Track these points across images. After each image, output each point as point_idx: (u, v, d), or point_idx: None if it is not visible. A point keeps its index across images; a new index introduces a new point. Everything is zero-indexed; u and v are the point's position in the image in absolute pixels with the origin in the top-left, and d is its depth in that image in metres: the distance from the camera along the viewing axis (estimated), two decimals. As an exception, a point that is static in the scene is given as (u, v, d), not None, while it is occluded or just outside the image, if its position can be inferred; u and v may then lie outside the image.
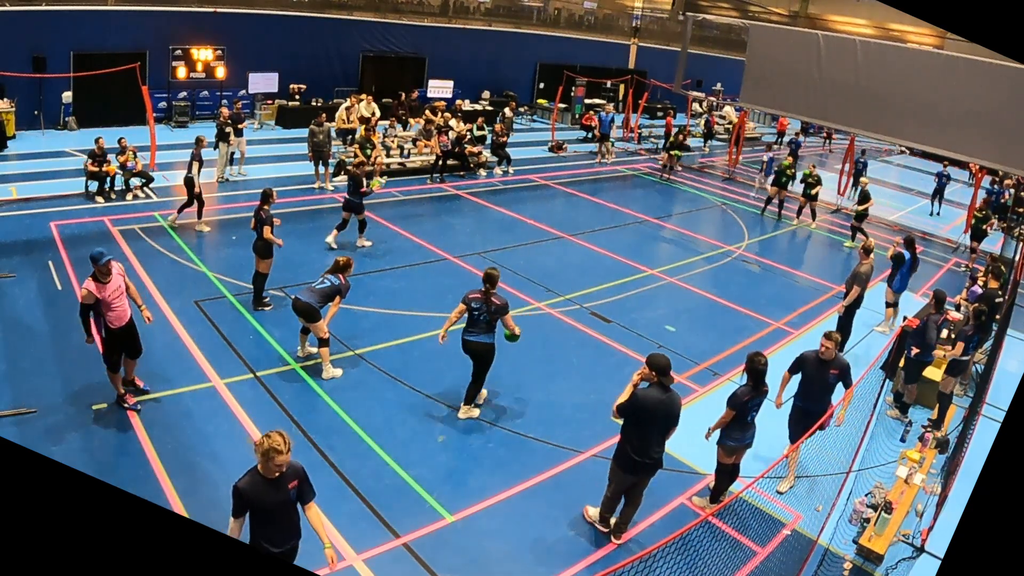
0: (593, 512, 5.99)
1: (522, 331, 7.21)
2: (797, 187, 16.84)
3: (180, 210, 11.54)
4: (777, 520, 6.34)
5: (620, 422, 5.54)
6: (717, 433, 6.18)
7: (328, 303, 7.58)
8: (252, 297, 9.09)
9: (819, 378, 6.51)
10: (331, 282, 7.57)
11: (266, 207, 8.86)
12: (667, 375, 5.40)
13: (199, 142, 11.36)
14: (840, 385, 6.56)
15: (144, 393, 6.95)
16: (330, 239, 11.28)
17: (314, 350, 7.94)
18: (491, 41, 26.20)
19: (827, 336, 6.58)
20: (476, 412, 7.30)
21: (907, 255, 10.39)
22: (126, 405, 6.69)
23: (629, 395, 5.41)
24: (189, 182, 11.22)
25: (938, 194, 19.73)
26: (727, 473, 6.25)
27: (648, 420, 5.40)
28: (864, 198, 14.96)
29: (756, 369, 5.93)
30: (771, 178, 17.30)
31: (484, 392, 7.47)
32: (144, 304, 6.83)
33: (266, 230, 8.73)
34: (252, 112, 19.44)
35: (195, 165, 11.15)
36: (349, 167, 11.12)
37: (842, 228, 16.53)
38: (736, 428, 6.01)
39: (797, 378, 6.78)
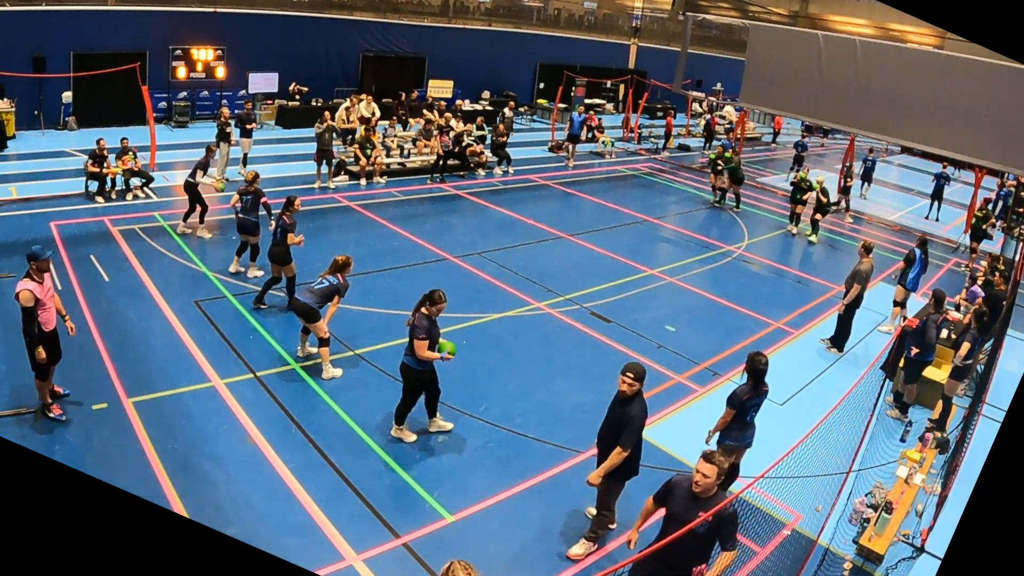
0: (580, 548, 5.68)
1: (454, 353, 6.41)
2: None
3: (185, 218, 11.37)
4: (777, 520, 6.34)
5: (625, 455, 5.30)
6: (717, 434, 6.17)
7: (327, 303, 7.58)
8: (286, 298, 8.95)
9: (685, 520, 4.22)
10: (329, 282, 7.57)
11: (288, 213, 8.82)
12: (642, 382, 5.30)
13: (209, 151, 11.33)
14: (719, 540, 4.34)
15: (65, 397, 6.72)
16: (233, 267, 10.02)
17: (314, 350, 7.94)
18: (491, 41, 26.20)
19: (706, 459, 4.23)
20: (411, 437, 6.72)
21: (918, 253, 10.44)
22: (51, 415, 6.43)
23: (633, 423, 5.24)
24: (190, 187, 11.04)
25: (937, 197, 19.47)
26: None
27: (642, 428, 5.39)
28: (825, 193, 15.04)
29: (757, 369, 5.92)
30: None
31: (442, 422, 6.95)
32: (68, 315, 6.63)
33: (291, 236, 8.73)
34: (255, 113, 19.47)
35: (200, 172, 10.99)
36: (247, 182, 9.77)
37: (840, 228, 16.53)
38: (736, 428, 6.01)
39: None
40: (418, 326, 6.31)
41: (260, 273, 9.90)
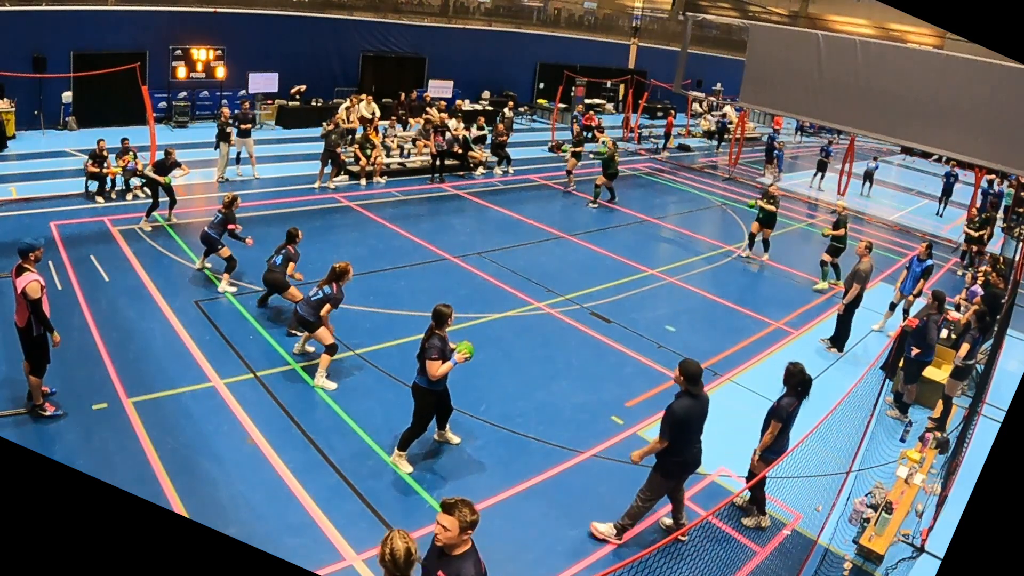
0: (604, 528, 5.83)
1: (456, 365, 6.04)
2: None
3: (148, 213, 11.38)
4: (777, 520, 6.34)
5: (662, 446, 5.45)
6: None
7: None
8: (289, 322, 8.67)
9: None
10: (324, 293, 7.48)
11: (293, 245, 8.63)
12: (696, 383, 5.42)
13: (168, 154, 11.37)
14: None
15: (52, 395, 6.70)
16: (224, 285, 9.49)
17: (311, 349, 7.96)
18: (491, 41, 26.21)
19: (445, 509, 3.58)
20: (408, 468, 6.35)
21: (931, 263, 10.37)
22: (46, 413, 6.44)
23: (665, 415, 5.41)
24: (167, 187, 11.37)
25: (946, 194, 19.85)
26: (762, 483, 6.20)
27: (689, 428, 5.44)
28: (839, 225, 12.00)
29: (805, 380, 5.87)
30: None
31: (450, 435, 6.84)
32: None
33: (291, 266, 8.52)
34: (253, 112, 19.45)
35: (149, 168, 11.31)
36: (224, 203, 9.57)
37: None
38: (779, 440, 5.97)
39: None
40: (429, 347, 6.05)
41: (233, 289, 9.48)
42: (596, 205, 15.58)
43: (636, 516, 5.75)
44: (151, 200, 11.43)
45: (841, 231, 11.89)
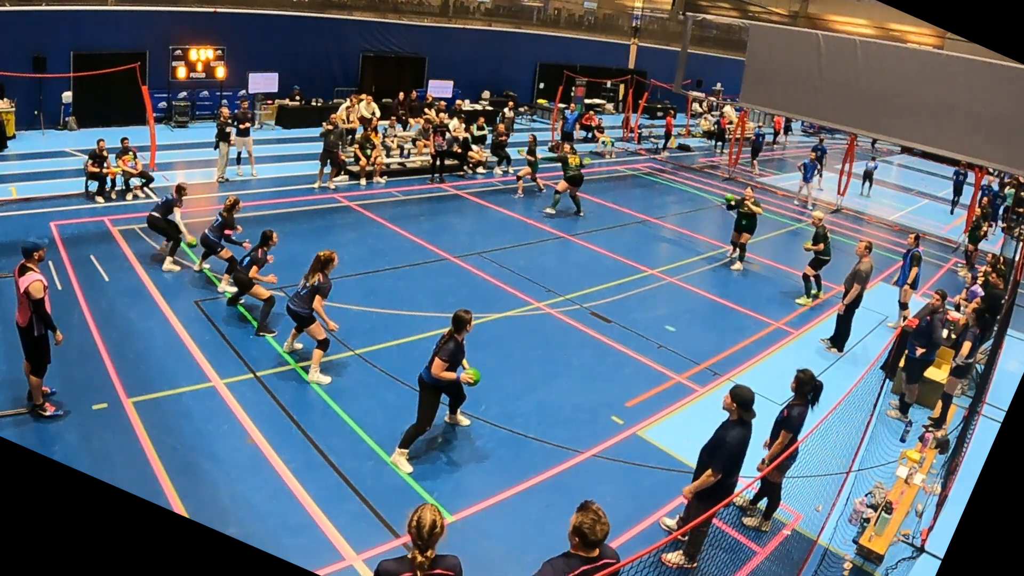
0: (676, 557, 5.72)
1: (475, 377, 6.37)
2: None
3: (172, 251, 10.14)
4: (777, 520, 6.34)
5: (716, 479, 5.28)
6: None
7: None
8: (257, 324, 8.56)
9: None
10: (312, 286, 7.44)
11: (264, 248, 8.52)
12: (749, 410, 5.27)
13: (180, 190, 10.08)
14: None
15: (52, 395, 6.71)
16: (224, 285, 9.53)
17: (300, 346, 7.98)
18: (491, 41, 26.21)
19: None
20: (408, 467, 6.39)
21: (920, 252, 10.44)
22: (46, 413, 6.44)
23: (719, 449, 5.29)
24: (157, 222, 10.02)
25: (957, 193, 20.14)
26: (777, 490, 6.16)
27: (741, 458, 5.37)
28: (818, 239, 11.19)
29: (817, 387, 5.81)
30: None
31: (460, 417, 7.11)
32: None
33: (254, 269, 8.37)
34: (252, 112, 19.46)
35: (175, 210, 10.04)
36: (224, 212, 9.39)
37: (839, 229, 16.51)
38: (788, 446, 5.94)
39: None
40: (443, 349, 6.23)
41: (233, 289, 9.24)
42: (553, 212, 14.52)
43: (697, 542, 5.65)
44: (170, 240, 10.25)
45: (821, 245, 11.14)
